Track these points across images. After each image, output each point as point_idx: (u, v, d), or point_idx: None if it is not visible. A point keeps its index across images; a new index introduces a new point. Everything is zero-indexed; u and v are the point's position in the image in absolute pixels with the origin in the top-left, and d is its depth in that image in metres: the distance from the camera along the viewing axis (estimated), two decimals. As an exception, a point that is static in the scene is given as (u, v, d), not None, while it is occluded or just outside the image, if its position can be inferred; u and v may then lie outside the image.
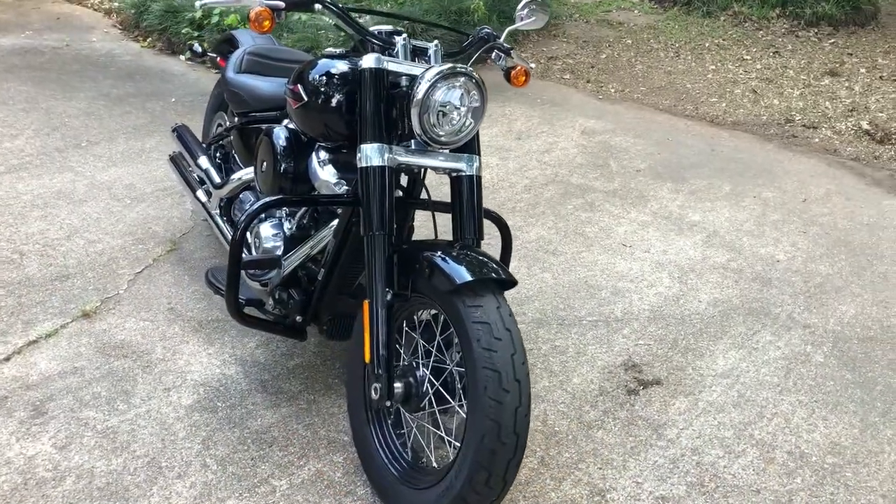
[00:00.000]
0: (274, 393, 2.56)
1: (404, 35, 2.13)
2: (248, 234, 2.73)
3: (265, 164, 2.43)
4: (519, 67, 2.38)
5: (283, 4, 2.01)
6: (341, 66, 2.19)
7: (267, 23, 1.98)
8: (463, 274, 1.85)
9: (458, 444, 1.98)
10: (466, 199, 2.15)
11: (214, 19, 6.00)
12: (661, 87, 6.00)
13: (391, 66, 2.05)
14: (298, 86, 2.24)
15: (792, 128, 5.24)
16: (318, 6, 2.04)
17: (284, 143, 2.37)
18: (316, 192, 2.38)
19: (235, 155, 3.03)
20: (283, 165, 2.35)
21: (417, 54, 2.15)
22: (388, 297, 1.98)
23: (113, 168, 4.15)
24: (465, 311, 1.83)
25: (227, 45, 3.33)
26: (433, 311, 2.08)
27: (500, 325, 1.81)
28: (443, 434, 2.02)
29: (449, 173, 2.17)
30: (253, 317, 2.39)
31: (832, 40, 7.23)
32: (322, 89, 2.19)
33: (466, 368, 1.84)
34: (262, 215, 2.74)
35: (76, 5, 7.63)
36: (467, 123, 2.06)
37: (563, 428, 2.46)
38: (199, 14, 6.12)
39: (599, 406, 2.57)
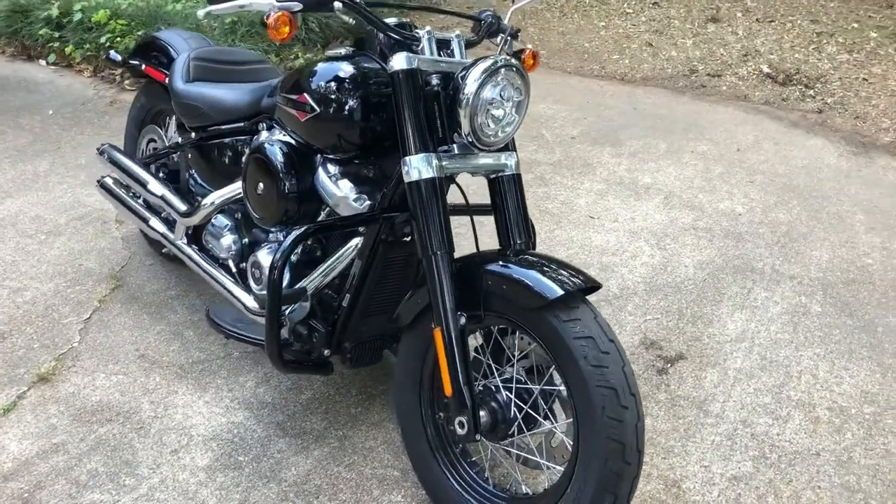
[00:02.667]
0: (297, 435, 2.30)
1: (428, 28, 1.91)
2: (241, 263, 2.44)
3: (261, 185, 2.15)
4: (528, 51, 2.20)
5: (300, 5, 1.74)
6: (355, 69, 1.94)
7: (286, 28, 1.71)
8: (551, 287, 1.68)
9: (553, 466, 1.84)
10: (512, 200, 1.97)
11: (77, 16, 5.37)
12: (561, 49, 5.97)
13: (424, 64, 1.84)
14: (305, 95, 1.97)
15: (698, 78, 5.35)
16: (337, 4, 1.77)
17: (283, 160, 2.09)
18: (325, 210, 2.14)
19: (194, 174, 2.68)
20: (286, 185, 2.08)
21: (441, 47, 1.94)
22: (462, 321, 1.78)
23: (9, 200, 3.63)
24: (562, 327, 1.67)
25: (149, 49, 2.92)
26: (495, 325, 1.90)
27: (604, 337, 1.67)
28: (536, 457, 1.86)
29: (488, 174, 1.98)
30: (293, 361, 2.12)
31: (700, -13, 7.46)
32: (335, 97, 1.93)
33: (573, 389, 1.69)
34: (245, 239, 2.47)
35: None
36: (513, 119, 1.89)
37: (612, 421, 2.37)
38: (55, 12, 5.47)
39: (637, 392, 2.49)
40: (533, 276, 1.73)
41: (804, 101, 4.92)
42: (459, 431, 1.78)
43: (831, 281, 3.09)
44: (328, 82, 1.95)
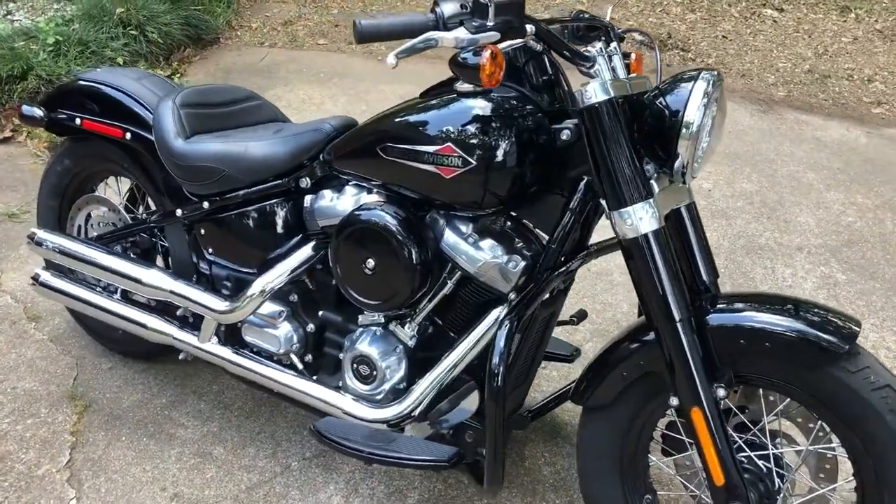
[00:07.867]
0: (436, 554, 1.88)
1: (599, 45, 1.55)
2: (307, 356, 1.94)
3: (372, 262, 1.69)
4: (636, 54, 1.90)
5: (496, 34, 1.32)
6: (505, 105, 1.56)
7: (492, 69, 1.29)
8: (832, 338, 1.43)
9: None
10: (694, 232, 1.67)
11: None
12: (424, 36, 5.64)
13: (615, 90, 1.49)
14: (451, 146, 1.54)
15: (577, 52, 5.28)
16: (530, 28, 1.38)
17: (402, 226, 1.65)
18: (454, 278, 1.72)
19: (209, 254, 2.06)
20: (414, 256, 1.64)
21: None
22: (721, 393, 1.49)
23: None
24: (854, 379, 1.43)
25: (77, 97, 2.22)
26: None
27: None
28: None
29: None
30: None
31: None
32: (493, 143, 1.53)
33: (869, 447, 1.45)
34: (310, 325, 1.96)
35: None
36: (707, 140, 1.59)
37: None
38: None
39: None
40: (800, 328, 1.46)
41: (687, 65, 5.02)
42: (741, 526, 1.49)
43: (834, 245, 3.12)
44: (478, 125, 1.55)
